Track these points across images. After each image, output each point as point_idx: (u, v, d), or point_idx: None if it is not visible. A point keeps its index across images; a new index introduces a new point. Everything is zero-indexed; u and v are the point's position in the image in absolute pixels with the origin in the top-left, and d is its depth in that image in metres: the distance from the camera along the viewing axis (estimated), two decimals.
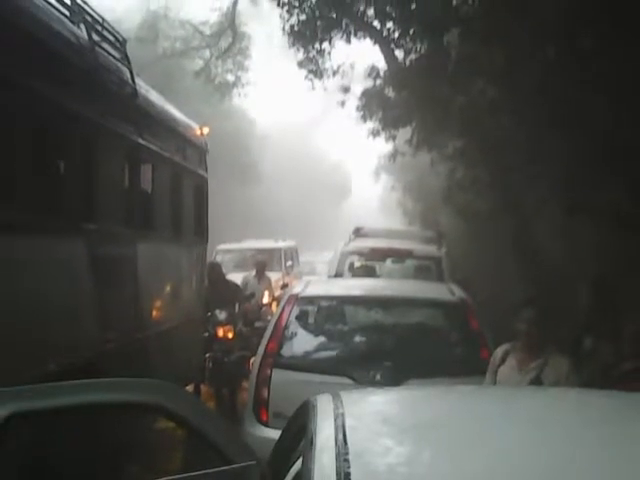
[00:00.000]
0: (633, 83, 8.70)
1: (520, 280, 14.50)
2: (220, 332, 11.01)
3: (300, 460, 2.37)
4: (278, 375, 6.76)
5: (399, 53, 17.10)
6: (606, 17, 8.73)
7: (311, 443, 2.27)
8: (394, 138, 20.06)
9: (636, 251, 9.62)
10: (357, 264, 13.64)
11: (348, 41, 17.48)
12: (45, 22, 6.48)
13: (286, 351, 7.01)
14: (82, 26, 7.45)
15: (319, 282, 10.05)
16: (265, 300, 14.69)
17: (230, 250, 21.35)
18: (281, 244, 22.92)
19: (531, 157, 12.08)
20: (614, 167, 9.86)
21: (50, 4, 6.83)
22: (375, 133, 19.88)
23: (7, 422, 3.01)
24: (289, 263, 22.50)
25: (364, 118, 19.55)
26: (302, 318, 7.30)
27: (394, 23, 15.62)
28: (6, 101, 5.37)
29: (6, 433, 2.99)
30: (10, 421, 3.02)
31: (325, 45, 18.04)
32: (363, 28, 17.32)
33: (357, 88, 20.51)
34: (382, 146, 24.02)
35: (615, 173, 9.93)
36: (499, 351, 5.99)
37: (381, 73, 18.64)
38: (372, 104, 18.93)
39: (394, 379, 6.32)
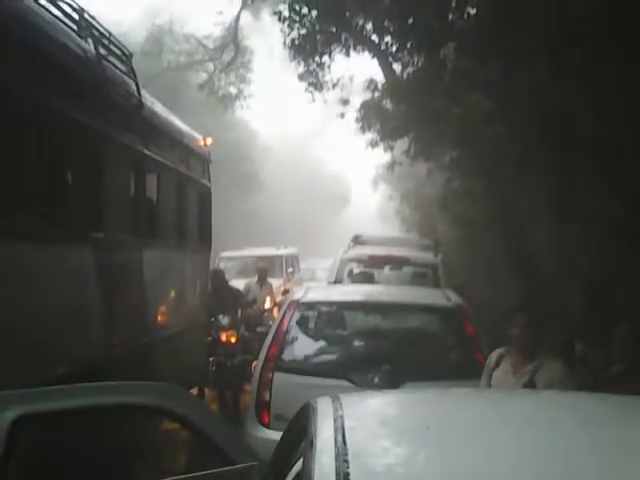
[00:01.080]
0: (624, 94, 8.71)
1: (514, 286, 14.49)
2: (223, 337, 11.01)
3: (301, 461, 2.37)
4: (279, 378, 6.75)
5: (397, 66, 17.11)
6: (596, 32, 8.74)
7: (311, 444, 2.27)
8: (392, 149, 20.06)
9: (627, 258, 9.61)
10: (356, 271, 13.63)
11: (347, 55, 17.50)
12: (54, 36, 6.50)
13: (287, 355, 7.00)
14: (89, 40, 7.48)
15: (319, 288, 10.06)
16: (267, 306, 14.69)
17: (233, 257, 21.33)
18: (282, 251, 22.91)
19: (525, 167, 12.09)
20: (606, 176, 9.86)
21: (59, 19, 6.85)
22: (374, 144, 19.86)
23: (15, 424, 3.01)
24: (290, 270, 22.47)
25: (363, 129, 19.54)
26: (303, 323, 7.30)
27: (392, 37, 15.63)
28: (16, 112, 5.38)
29: (14, 434, 2.98)
30: (18, 423, 3.02)
31: (325, 58, 18.07)
32: (362, 42, 17.34)
33: (356, 100, 20.53)
34: (380, 156, 24.06)
35: (607, 182, 9.93)
36: (494, 355, 5.98)
37: (379, 86, 18.64)
38: (371, 116, 18.92)
39: (392, 382, 6.31)
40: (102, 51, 7.69)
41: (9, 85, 5.28)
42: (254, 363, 8.41)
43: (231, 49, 31.81)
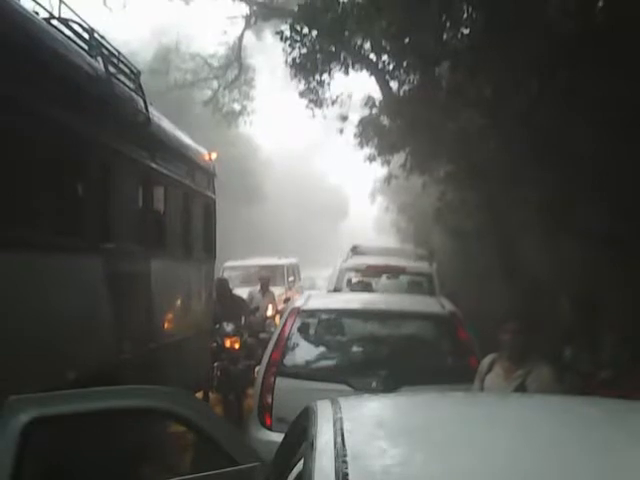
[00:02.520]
0: (612, 108, 8.72)
1: (506, 295, 14.47)
2: (227, 343, 11.00)
3: (301, 462, 2.36)
4: (281, 383, 6.76)
5: (394, 84, 17.14)
6: (585, 50, 8.77)
7: (312, 446, 2.27)
8: (389, 163, 20.10)
9: (615, 267, 9.61)
10: (354, 279, 13.64)
11: (346, 73, 17.49)
12: (65, 56, 6.52)
13: (289, 360, 7.00)
14: (99, 59, 7.50)
15: (319, 296, 10.02)
16: (269, 313, 14.70)
17: (236, 267, 21.32)
18: (284, 261, 22.90)
19: (516, 181, 12.09)
20: (596, 189, 9.86)
21: (70, 39, 6.87)
22: (371, 158, 19.89)
23: (28, 426, 3.01)
24: (291, 278, 22.47)
25: (361, 144, 19.57)
26: (303, 330, 7.30)
27: (389, 56, 15.64)
28: (30, 129, 5.39)
29: (28, 436, 2.99)
30: (31, 425, 3.03)
31: (325, 76, 18.04)
32: (360, 61, 17.35)
33: (354, 116, 20.58)
34: (378, 170, 24.11)
35: (597, 194, 9.93)
36: (486, 360, 5.99)
37: (377, 102, 18.68)
38: (368, 131, 18.96)
39: (389, 386, 6.32)
40: (111, 69, 7.71)
41: (23, 101, 5.30)
42: (257, 368, 8.40)
43: (235, 67, 31.84)
